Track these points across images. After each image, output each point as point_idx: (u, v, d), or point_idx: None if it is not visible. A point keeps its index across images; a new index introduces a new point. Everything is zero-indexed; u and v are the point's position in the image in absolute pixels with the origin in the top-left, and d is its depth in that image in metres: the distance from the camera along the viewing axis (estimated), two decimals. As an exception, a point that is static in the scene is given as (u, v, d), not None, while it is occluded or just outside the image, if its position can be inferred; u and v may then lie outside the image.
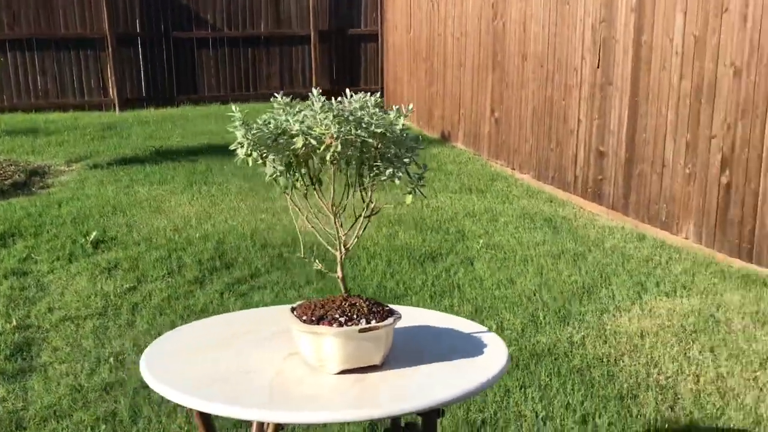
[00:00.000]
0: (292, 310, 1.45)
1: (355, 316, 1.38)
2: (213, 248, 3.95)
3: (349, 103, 1.37)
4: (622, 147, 4.79)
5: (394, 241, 4.05)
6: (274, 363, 1.45)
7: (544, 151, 5.67)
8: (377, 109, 1.36)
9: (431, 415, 1.33)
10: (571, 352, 2.70)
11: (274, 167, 1.41)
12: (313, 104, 1.38)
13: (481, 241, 4.01)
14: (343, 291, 1.47)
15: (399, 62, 8.61)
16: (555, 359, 2.63)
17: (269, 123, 1.38)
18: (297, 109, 1.39)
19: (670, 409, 2.28)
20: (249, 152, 1.39)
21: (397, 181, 1.43)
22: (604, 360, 2.64)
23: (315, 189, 1.45)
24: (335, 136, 1.32)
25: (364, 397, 1.29)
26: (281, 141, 1.38)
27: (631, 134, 4.70)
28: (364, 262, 3.70)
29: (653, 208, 4.52)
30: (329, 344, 1.35)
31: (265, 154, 1.40)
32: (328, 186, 1.48)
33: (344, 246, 1.49)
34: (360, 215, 1.46)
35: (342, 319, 1.37)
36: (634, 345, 2.75)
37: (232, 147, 1.43)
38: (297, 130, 1.35)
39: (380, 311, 1.40)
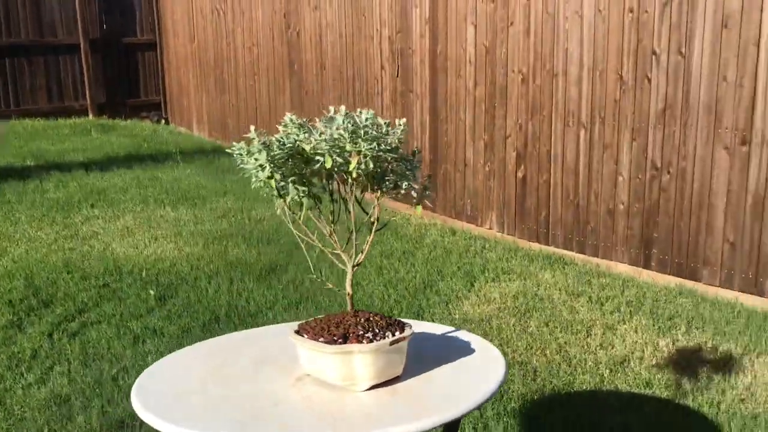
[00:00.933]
0: (299, 332, 1.40)
1: (377, 330, 1.38)
2: (23, 286, 3.52)
3: (359, 119, 1.36)
4: (426, 150, 5.15)
5: (227, 256, 3.95)
6: (290, 389, 1.39)
7: (350, 156, 5.88)
8: (385, 125, 1.37)
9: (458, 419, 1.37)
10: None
11: (296, 188, 1.36)
12: (333, 121, 1.35)
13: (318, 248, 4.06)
14: (349, 307, 1.46)
15: (183, 71, 8.30)
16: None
17: (284, 143, 1.33)
18: (320, 127, 1.35)
19: (533, 382, 2.56)
20: (271, 174, 1.32)
21: (413, 193, 1.46)
22: (462, 347, 2.86)
23: (318, 206, 1.42)
24: (367, 153, 1.32)
25: (419, 408, 1.29)
26: (291, 162, 1.34)
27: (433, 138, 5.07)
28: (204, 283, 3.57)
29: (459, 204, 4.94)
30: (361, 361, 1.34)
31: (285, 176, 1.34)
32: (326, 204, 1.47)
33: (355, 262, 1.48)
34: (355, 229, 1.45)
35: (368, 335, 1.36)
36: (484, 329, 3.02)
37: (251, 170, 1.34)
38: (324, 149, 1.31)
39: (394, 322, 1.42)
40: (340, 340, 1.35)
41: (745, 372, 2.63)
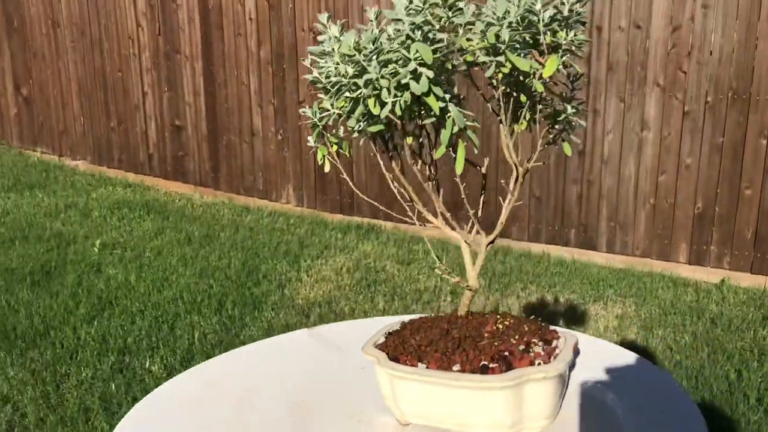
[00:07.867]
0: (395, 359, 0.86)
1: (535, 341, 0.89)
2: None
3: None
4: (202, 119, 4.55)
5: (-25, 265, 3.01)
6: None
7: (103, 131, 4.98)
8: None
9: None
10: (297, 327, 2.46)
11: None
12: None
13: (98, 242, 3.29)
14: (463, 310, 0.96)
15: None
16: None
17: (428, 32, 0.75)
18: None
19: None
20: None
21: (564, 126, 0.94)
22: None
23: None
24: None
25: None
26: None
27: (211, 104, 4.49)
28: (-48, 302, 2.64)
29: (248, 179, 4.45)
30: (536, 392, 0.83)
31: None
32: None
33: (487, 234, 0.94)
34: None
35: (539, 349, 0.85)
36: (335, 311, 2.68)
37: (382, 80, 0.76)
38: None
39: (541, 326, 0.93)
40: (496, 366, 0.81)
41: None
